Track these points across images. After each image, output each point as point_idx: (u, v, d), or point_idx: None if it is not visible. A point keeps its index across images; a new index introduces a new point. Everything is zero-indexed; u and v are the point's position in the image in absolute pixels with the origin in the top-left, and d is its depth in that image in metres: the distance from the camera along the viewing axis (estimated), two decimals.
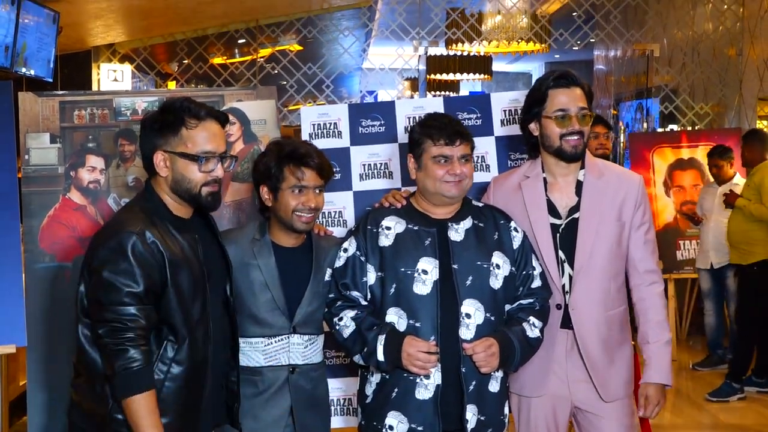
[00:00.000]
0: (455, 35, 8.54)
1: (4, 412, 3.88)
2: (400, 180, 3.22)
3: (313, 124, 3.31)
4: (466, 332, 2.53)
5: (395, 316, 2.56)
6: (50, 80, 6.59)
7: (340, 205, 3.23)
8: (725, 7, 7.82)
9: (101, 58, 8.80)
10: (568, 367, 2.68)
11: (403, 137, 3.19)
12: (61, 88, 7.53)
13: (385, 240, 2.62)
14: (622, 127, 10.54)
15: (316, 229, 2.81)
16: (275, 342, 2.65)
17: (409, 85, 17.42)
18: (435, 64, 11.78)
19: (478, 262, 2.58)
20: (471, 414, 2.53)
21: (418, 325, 2.53)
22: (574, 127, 2.66)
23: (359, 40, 12.49)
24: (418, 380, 2.53)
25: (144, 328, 2.21)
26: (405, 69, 8.88)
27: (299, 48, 9.82)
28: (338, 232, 3.07)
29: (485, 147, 3.26)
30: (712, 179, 6.33)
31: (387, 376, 2.58)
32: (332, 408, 2.97)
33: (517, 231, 2.68)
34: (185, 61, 8.47)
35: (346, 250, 2.67)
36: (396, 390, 2.56)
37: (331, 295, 2.68)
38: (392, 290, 2.57)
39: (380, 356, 2.52)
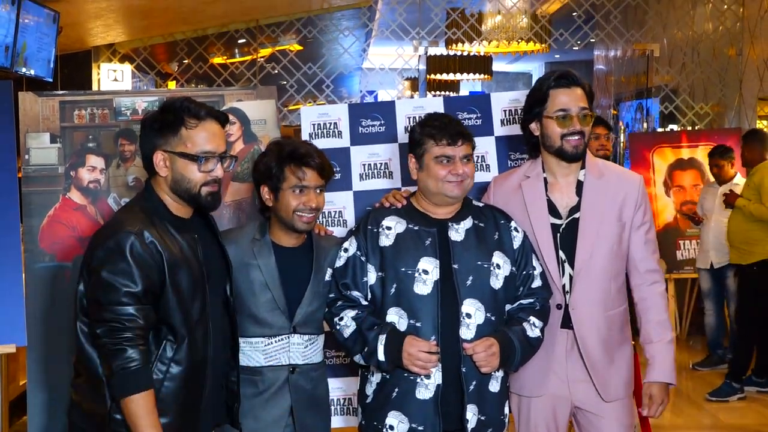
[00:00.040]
0: (455, 35, 8.54)
1: (4, 412, 3.88)
2: (400, 180, 3.22)
3: (313, 124, 3.31)
4: (467, 332, 2.53)
5: (396, 316, 2.56)
6: (50, 80, 6.59)
7: (340, 205, 3.23)
8: (725, 7, 7.81)
9: (101, 58, 8.79)
10: (568, 367, 2.68)
11: (403, 137, 3.19)
12: (61, 88, 7.52)
13: (386, 240, 2.62)
14: (622, 127, 10.54)
15: (316, 229, 2.81)
16: (275, 342, 2.65)
17: (409, 85, 17.42)
18: (435, 64, 11.78)
19: (479, 262, 2.58)
20: (471, 414, 2.53)
21: (418, 325, 2.53)
22: (575, 127, 2.66)
23: (359, 40, 12.49)
24: (418, 380, 2.53)
25: (142, 328, 2.21)
26: (405, 69, 8.87)
27: (299, 48, 9.82)
28: (338, 232, 3.07)
29: (485, 147, 3.26)
30: (712, 179, 6.33)
31: (387, 376, 2.58)
32: (332, 408, 2.97)
33: (517, 231, 2.68)
34: (185, 61, 8.46)
35: (346, 250, 2.67)
36: (396, 390, 2.56)
37: (332, 295, 2.68)
38: (393, 290, 2.57)
39: (381, 356, 2.52)
